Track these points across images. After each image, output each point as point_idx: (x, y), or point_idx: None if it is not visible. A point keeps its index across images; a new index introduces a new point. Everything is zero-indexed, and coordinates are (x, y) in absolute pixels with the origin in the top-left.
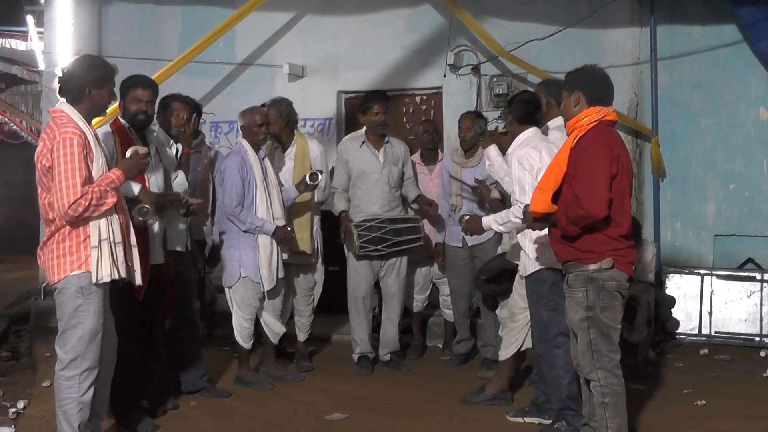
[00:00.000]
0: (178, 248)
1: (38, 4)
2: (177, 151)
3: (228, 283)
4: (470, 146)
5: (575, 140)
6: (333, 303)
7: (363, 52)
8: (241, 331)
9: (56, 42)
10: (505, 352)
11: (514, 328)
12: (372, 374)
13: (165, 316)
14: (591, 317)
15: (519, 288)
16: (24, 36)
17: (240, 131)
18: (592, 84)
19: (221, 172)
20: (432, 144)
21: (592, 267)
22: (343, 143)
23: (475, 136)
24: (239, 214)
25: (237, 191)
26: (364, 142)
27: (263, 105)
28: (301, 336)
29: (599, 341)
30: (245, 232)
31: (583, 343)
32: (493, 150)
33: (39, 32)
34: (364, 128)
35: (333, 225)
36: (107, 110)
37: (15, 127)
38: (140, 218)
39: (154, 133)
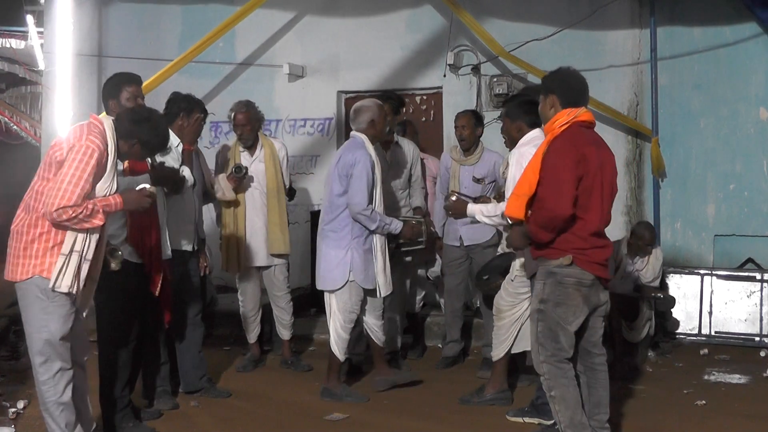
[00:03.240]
0: (185, 247)
1: (38, 4)
2: (178, 147)
3: (331, 287)
4: (470, 145)
5: (548, 145)
6: None
7: (363, 52)
8: (338, 341)
9: (56, 42)
10: (497, 352)
11: (502, 326)
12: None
13: (165, 314)
14: (542, 310)
15: (508, 286)
16: (24, 36)
17: (356, 125)
18: (566, 86)
19: (348, 166)
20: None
21: (554, 262)
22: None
23: (473, 133)
24: (371, 213)
25: (369, 189)
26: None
27: (236, 108)
28: (287, 334)
29: (545, 335)
30: (372, 232)
31: (532, 334)
32: (473, 207)
33: (39, 32)
34: None
35: None
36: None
37: (15, 127)
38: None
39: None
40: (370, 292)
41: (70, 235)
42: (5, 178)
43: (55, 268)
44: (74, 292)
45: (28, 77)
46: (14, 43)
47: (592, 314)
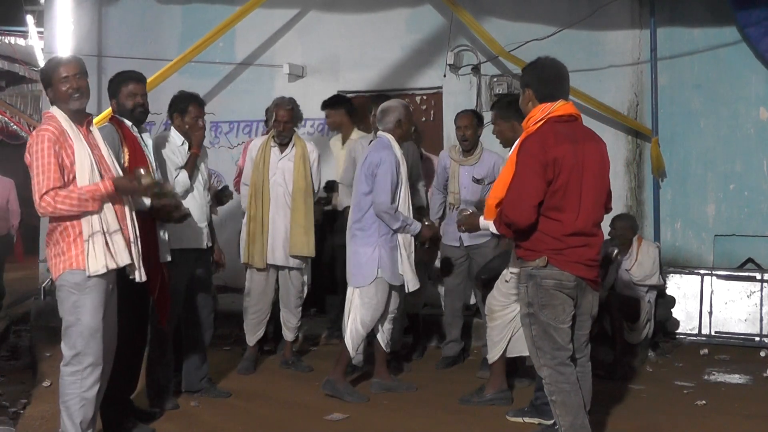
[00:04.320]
0: (197, 246)
1: (38, 4)
2: (183, 146)
3: (359, 283)
4: (472, 146)
5: (519, 144)
6: (333, 303)
7: (363, 52)
8: (355, 336)
9: (56, 42)
10: (492, 354)
11: (495, 327)
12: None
13: (161, 316)
14: (532, 314)
15: (501, 286)
16: (24, 35)
17: (383, 125)
18: (541, 79)
19: (374, 166)
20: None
21: (531, 264)
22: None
23: (475, 133)
24: (395, 213)
25: (393, 188)
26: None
27: (280, 103)
28: (291, 336)
29: (541, 338)
30: (395, 231)
31: (527, 339)
32: (484, 221)
33: (39, 32)
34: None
35: (333, 225)
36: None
37: (15, 126)
38: (141, 182)
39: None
40: (395, 291)
41: (85, 221)
42: (21, 181)
43: (85, 256)
44: (116, 267)
45: (27, 76)
46: (14, 42)
47: (576, 318)
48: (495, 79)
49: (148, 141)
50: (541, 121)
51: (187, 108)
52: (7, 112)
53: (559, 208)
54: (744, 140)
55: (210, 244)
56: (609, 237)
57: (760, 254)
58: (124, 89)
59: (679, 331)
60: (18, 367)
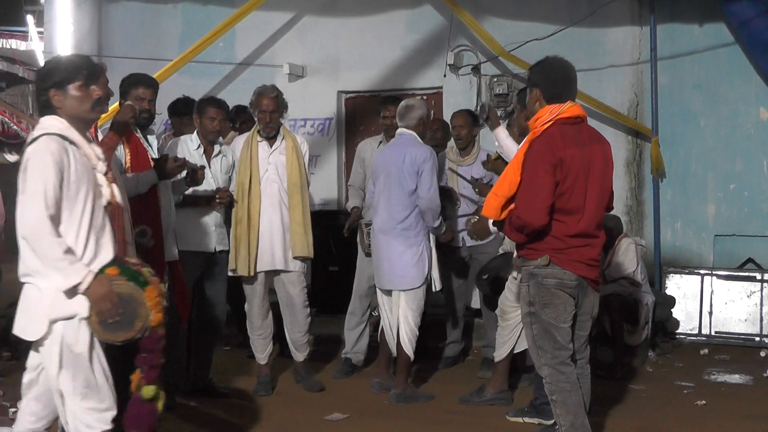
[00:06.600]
0: (206, 249)
1: (38, 4)
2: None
3: (408, 285)
4: (466, 144)
5: (528, 145)
6: (333, 303)
7: (363, 52)
8: (413, 337)
9: (56, 42)
10: (500, 353)
11: (506, 326)
12: (345, 378)
13: (181, 314)
14: (533, 312)
15: (512, 286)
16: (24, 36)
17: (405, 121)
18: (549, 79)
19: (419, 162)
20: (441, 141)
21: (533, 263)
22: (363, 143)
23: (470, 132)
24: (440, 211)
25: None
26: (381, 142)
27: (263, 91)
28: (301, 357)
29: (542, 338)
30: (432, 228)
31: (528, 338)
32: (501, 131)
33: (39, 32)
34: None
35: (333, 225)
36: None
37: (15, 127)
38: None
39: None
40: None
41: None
42: (5, 178)
43: None
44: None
45: (27, 77)
46: (14, 43)
47: (576, 318)
48: (495, 79)
49: (153, 142)
50: (549, 123)
51: (205, 108)
52: (6, 112)
53: (564, 210)
54: (744, 140)
55: (222, 248)
56: None
57: (760, 254)
58: (133, 92)
59: (679, 331)
60: (18, 367)
